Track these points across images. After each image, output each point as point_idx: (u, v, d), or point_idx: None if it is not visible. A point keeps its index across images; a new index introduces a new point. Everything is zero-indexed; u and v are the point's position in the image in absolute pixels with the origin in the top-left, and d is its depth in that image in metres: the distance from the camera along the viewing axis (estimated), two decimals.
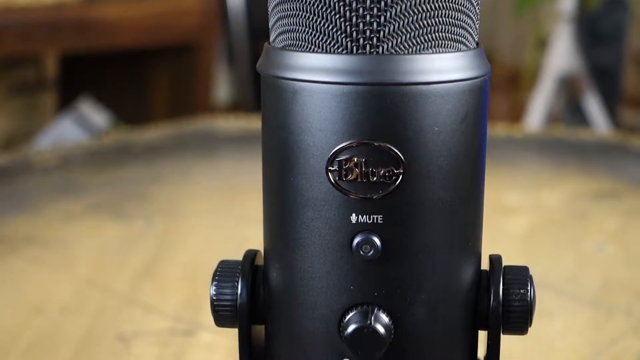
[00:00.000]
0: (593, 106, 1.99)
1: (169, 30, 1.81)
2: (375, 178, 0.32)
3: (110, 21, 1.71)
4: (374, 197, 0.32)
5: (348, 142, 0.32)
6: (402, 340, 0.33)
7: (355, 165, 0.32)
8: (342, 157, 0.32)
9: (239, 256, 0.37)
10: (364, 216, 0.32)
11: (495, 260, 0.36)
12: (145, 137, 1.18)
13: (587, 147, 1.12)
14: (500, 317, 0.35)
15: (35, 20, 1.65)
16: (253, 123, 1.24)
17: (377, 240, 0.32)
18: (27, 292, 0.78)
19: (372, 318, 0.32)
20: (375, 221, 0.32)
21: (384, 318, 0.33)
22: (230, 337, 0.69)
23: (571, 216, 0.93)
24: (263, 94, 0.35)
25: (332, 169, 0.32)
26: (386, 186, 0.32)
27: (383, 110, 0.32)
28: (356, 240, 0.32)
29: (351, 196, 0.32)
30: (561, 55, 2.02)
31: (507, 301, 0.35)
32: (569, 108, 2.08)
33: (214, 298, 0.37)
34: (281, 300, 0.35)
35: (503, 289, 0.35)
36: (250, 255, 0.37)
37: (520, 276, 0.36)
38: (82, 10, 1.69)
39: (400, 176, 0.32)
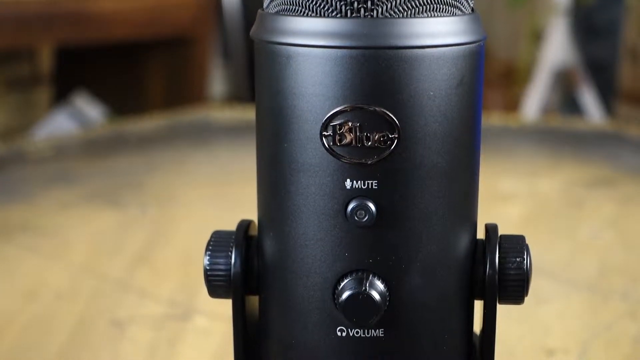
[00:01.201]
0: (588, 99, 1.99)
1: (164, 23, 1.80)
2: (369, 143, 0.32)
3: (106, 14, 1.71)
4: (369, 162, 0.32)
5: (342, 107, 0.32)
6: (398, 308, 0.33)
7: (350, 130, 0.32)
8: (336, 122, 0.32)
9: None
10: (359, 182, 0.32)
11: (491, 229, 0.36)
12: (140, 127, 1.17)
13: (583, 136, 1.12)
14: (496, 285, 0.35)
15: (30, 12, 1.65)
16: (248, 114, 1.24)
17: (371, 206, 0.32)
18: (21, 278, 0.78)
19: (367, 284, 0.32)
20: (369, 187, 0.32)
21: (379, 285, 0.32)
22: (225, 322, 0.69)
23: (567, 203, 0.93)
24: (257, 60, 0.34)
25: (326, 134, 0.32)
26: (381, 151, 0.32)
27: (377, 74, 0.31)
28: (350, 206, 0.32)
29: (345, 161, 0.32)
30: (556, 48, 2.02)
31: (503, 269, 0.35)
32: (565, 101, 2.08)
33: (208, 268, 0.36)
34: (275, 269, 0.34)
35: (499, 257, 0.35)
36: (244, 225, 0.37)
37: (516, 245, 0.36)
38: (77, 3, 1.69)
39: (395, 141, 0.32)
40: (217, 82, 2.58)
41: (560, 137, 1.11)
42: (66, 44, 1.82)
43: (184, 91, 1.90)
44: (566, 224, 0.88)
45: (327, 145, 0.32)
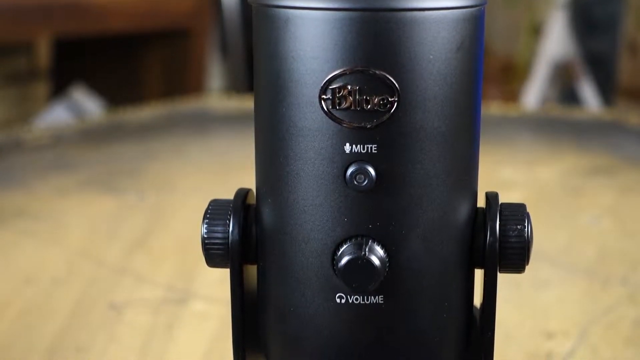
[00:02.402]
0: (587, 92, 1.98)
1: (162, 15, 1.80)
2: (369, 106, 0.31)
3: (103, 5, 1.70)
4: (368, 126, 0.32)
5: (341, 70, 0.31)
6: (397, 274, 0.33)
7: (349, 93, 0.31)
8: (336, 85, 0.31)
9: None
10: (358, 146, 0.32)
11: (491, 197, 0.36)
12: (138, 117, 1.17)
13: (582, 125, 1.11)
14: (497, 253, 0.34)
15: (27, 4, 1.64)
16: (246, 103, 1.23)
17: (371, 170, 0.32)
18: (17, 263, 0.78)
19: (367, 249, 0.32)
20: (369, 151, 0.32)
21: (379, 250, 0.32)
22: (222, 305, 0.68)
23: (566, 191, 0.92)
24: (254, 26, 0.34)
25: (325, 97, 0.32)
26: (380, 115, 0.31)
27: (377, 36, 0.31)
28: (350, 170, 0.32)
29: (345, 125, 0.32)
30: (555, 41, 2.01)
31: (503, 237, 0.34)
32: (564, 94, 2.08)
33: (205, 236, 0.36)
34: (273, 236, 0.34)
35: (500, 224, 0.34)
36: (242, 193, 0.36)
37: (517, 212, 0.35)
38: None
39: (395, 104, 0.31)
40: (215, 76, 2.57)
41: (559, 126, 1.11)
42: (64, 36, 1.82)
43: (182, 84, 1.90)
44: (565, 211, 0.88)
45: (326, 109, 0.32)
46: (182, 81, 1.90)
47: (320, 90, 0.32)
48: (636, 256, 0.78)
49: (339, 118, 0.32)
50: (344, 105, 0.32)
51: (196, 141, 1.09)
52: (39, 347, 0.64)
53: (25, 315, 0.69)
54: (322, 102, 0.32)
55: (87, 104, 1.97)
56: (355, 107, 0.31)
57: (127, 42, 1.91)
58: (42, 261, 0.77)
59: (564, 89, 2.08)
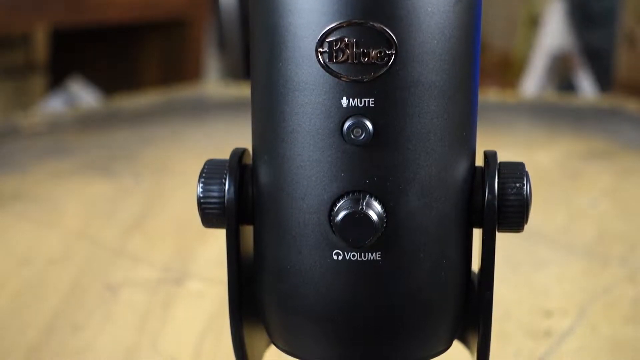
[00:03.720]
0: (585, 83, 1.98)
1: (159, 5, 1.79)
2: (366, 59, 0.31)
3: None
4: (365, 79, 0.31)
5: (338, 22, 0.31)
6: (395, 230, 0.32)
7: (346, 46, 0.31)
8: (333, 38, 0.31)
9: None
10: (355, 99, 0.31)
11: (490, 155, 0.35)
12: (134, 104, 1.17)
13: (581, 111, 1.11)
14: (496, 211, 0.34)
15: None
16: (243, 90, 1.23)
17: (368, 124, 0.31)
18: (13, 244, 0.77)
19: (364, 204, 0.31)
20: (366, 105, 0.31)
21: (376, 206, 0.32)
22: (219, 285, 0.68)
23: (565, 174, 0.92)
24: None
25: (322, 50, 0.31)
26: (378, 68, 0.31)
27: None
28: (347, 124, 0.31)
29: (342, 79, 0.31)
30: (553, 33, 2.01)
31: (502, 195, 0.34)
32: (562, 86, 2.07)
33: (201, 196, 0.36)
34: (270, 193, 0.34)
35: (498, 182, 0.34)
36: (238, 152, 0.36)
37: (516, 171, 0.35)
38: None
39: (393, 57, 0.31)
40: (213, 67, 2.57)
41: (557, 112, 1.10)
42: (61, 26, 1.81)
43: (179, 75, 1.89)
44: (564, 193, 0.88)
45: (323, 63, 0.31)
46: (180, 72, 1.90)
47: (317, 43, 0.31)
48: (635, 237, 0.77)
49: (335, 72, 0.31)
50: (341, 58, 0.31)
51: (193, 127, 1.09)
52: (35, 325, 0.63)
53: (21, 294, 0.68)
54: (319, 55, 0.31)
55: (84, 96, 1.97)
56: (352, 60, 0.31)
57: (124, 33, 1.91)
58: (38, 243, 0.77)
59: (562, 81, 2.08)
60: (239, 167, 0.35)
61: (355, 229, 0.31)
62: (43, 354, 0.60)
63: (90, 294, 0.68)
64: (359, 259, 0.32)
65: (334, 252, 0.32)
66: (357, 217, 0.31)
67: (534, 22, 2.26)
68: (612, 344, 0.61)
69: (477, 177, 0.34)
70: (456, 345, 0.42)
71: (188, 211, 0.84)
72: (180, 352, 0.60)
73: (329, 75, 0.31)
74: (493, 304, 0.36)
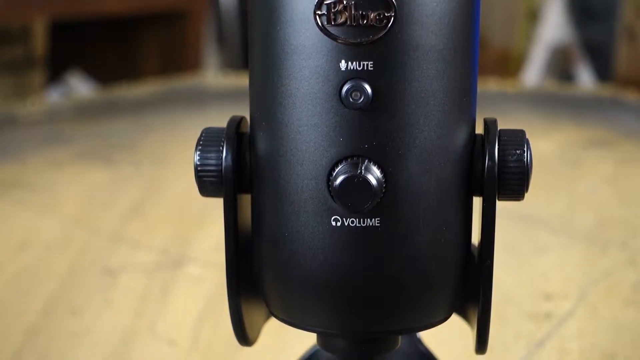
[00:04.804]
0: (585, 77, 1.98)
1: None
2: (365, 22, 0.31)
3: None
4: (364, 42, 0.31)
5: None
6: (394, 196, 0.32)
7: (345, 8, 0.31)
8: (331, 0, 0.31)
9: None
10: (354, 63, 0.31)
11: (490, 122, 0.35)
12: (133, 93, 1.16)
13: (581, 101, 1.11)
14: (496, 178, 0.33)
15: None
16: (242, 80, 1.23)
17: (367, 87, 0.31)
18: (11, 231, 0.77)
19: (363, 168, 0.31)
20: (365, 68, 0.31)
21: (375, 170, 0.31)
22: (217, 269, 0.68)
23: (565, 162, 0.92)
24: None
25: (320, 12, 0.31)
26: (377, 30, 0.31)
27: None
28: (345, 87, 0.31)
29: (340, 42, 0.31)
30: (553, 26, 2.01)
31: (502, 162, 0.33)
32: (562, 79, 2.07)
33: (198, 164, 0.35)
34: (267, 160, 0.33)
35: (499, 149, 0.34)
36: (236, 120, 0.35)
37: (516, 138, 0.34)
38: None
39: (392, 20, 0.31)
40: (212, 65, 2.56)
41: (557, 101, 1.10)
42: (60, 18, 1.81)
43: (178, 68, 1.89)
44: (564, 180, 0.87)
45: (321, 25, 0.31)
46: (179, 65, 1.89)
47: (315, 5, 0.31)
48: (635, 222, 0.77)
49: (334, 34, 0.31)
50: (340, 20, 0.31)
51: (192, 116, 1.09)
52: (33, 309, 0.63)
53: (19, 279, 0.68)
54: (317, 18, 0.31)
55: (83, 89, 1.96)
56: (350, 22, 0.31)
57: (123, 25, 1.90)
58: (36, 229, 0.77)
59: (562, 74, 2.07)
60: (236, 134, 0.35)
61: (353, 194, 0.31)
62: (41, 337, 0.60)
63: (88, 279, 0.68)
64: (357, 225, 0.32)
65: (333, 218, 0.32)
66: (356, 182, 0.31)
67: (533, 16, 2.26)
68: (613, 326, 0.61)
69: (477, 144, 0.34)
70: (456, 319, 0.41)
71: (187, 198, 0.84)
72: (178, 335, 0.60)
73: (327, 38, 0.31)
74: (492, 288, 0.36)
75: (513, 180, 0.34)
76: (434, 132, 0.32)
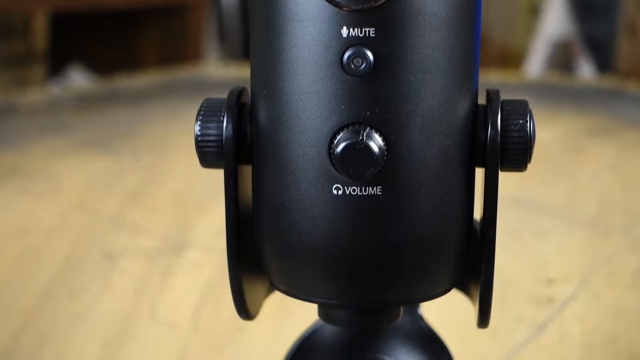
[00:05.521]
0: (586, 71, 1.98)
1: None
2: None
3: None
4: (366, 8, 0.31)
5: None
6: (396, 164, 0.31)
7: None
8: None
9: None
10: (356, 29, 0.31)
11: (493, 92, 0.34)
12: (134, 83, 1.16)
13: (583, 91, 1.11)
14: (498, 147, 0.33)
15: None
16: (243, 71, 1.22)
17: (369, 54, 0.31)
18: (11, 217, 0.77)
19: (364, 135, 0.31)
20: (367, 35, 0.31)
21: (377, 138, 0.31)
22: (218, 255, 0.68)
23: (567, 150, 0.92)
24: None
25: None
26: None
27: None
28: (347, 54, 0.31)
29: (342, 8, 0.31)
30: (554, 20, 2.00)
31: (505, 131, 0.33)
32: (563, 73, 2.07)
33: (198, 134, 0.35)
34: (268, 129, 0.33)
35: (501, 119, 0.33)
36: (236, 90, 0.35)
37: (519, 107, 0.34)
38: None
39: None
40: (212, 63, 2.56)
41: (559, 92, 1.10)
42: (61, 11, 1.80)
43: (179, 61, 1.88)
44: (566, 168, 0.87)
45: None
46: (180, 58, 1.89)
47: None
48: (638, 209, 0.77)
49: (335, 1, 0.31)
50: None
51: (193, 106, 1.08)
52: (32, 292, 0.63)
53: (18, 263, 0.68)
54: None
55: (83, 83, 1.96)
56: None
57: (123, 20, 1.90)
58: (36, 215, 0.77)
59: (563, 69, 2.07)
60: (237, 104, 0.34)
61: (355, 161, 0.31)
62: (40, 319, 0.59)
63: (88, 263, 0.68)
64: (359, 193, 0.32)
65: (334, 186, 0.32)
66: (358, 148, 0.31)
67: (534, 11, 2.26)
68: (615, 310, 0.61)
69: (479, 114, 0.34)
70: (458, 297, 0.41)
71: (188, 185, 0.83)
72: (178, 318, 0.60)
73: (329, 5, 0.31)
74: (494, 271, 0.36)
75: (516, 150, 0.33)
76: (435, 100, 0.32)
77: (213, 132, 0.34)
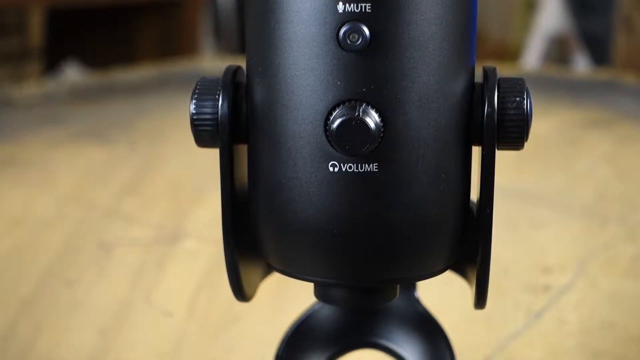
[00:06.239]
0: (582, 67, 1.97)
1: None
2: None
3: None
4: None
5: None
6: (392, 141, 0.31)
7: None
8: None
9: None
10: (351, 4, 0.31)
11: (489, 70, 0.34)
12: (130, 76, 1.16)
13: (579, 83, 1.10)
14: (495, 125, 0.33)
15: None
16: (239, 63, 1.22)
17: (365, 29, 0.30)
18: (6, 207, 0.76)
19: (361, 110, 0.31)
20: (363, 10, 0.31)
21: (373, 114, 0.31)
22: (213, 244, 0.67)
23: (563, 141, 0.92)
24: None
25: None
26: None
27: None
28: (343, 29, 0.31)
29: None
30: (550, 15, 2.00)
31: (502, 109, 0.33)
32: (559, 66, 2.06)
33: (194, 112, 0.34)
34: (264, 107, 0.33)
35: (498, 96, 0.33)
36: (232, 69, 0.35)
37: (516, 85, 0.34)
38: None
39: None
40: (208, 57, 2.56)
41: (555, 84, 1.09)
42: (57, 6, 1.80)
43: (175, 56, 1.88)
44: (562, 158, 0.87)
45: None
46: (176, 53, 1.89)
47: None
48: (634, 198, 0.77)
49: None
50: None
51: (189, 99, 1.08)
52: (27, 281, 0.63)
53: (14, 253, 0.68)
54: None
55: (79, 78, 1.96)
56: None
57: (119, 14, 1.90)
58: (31, 205, 0.76)
59: (559, 63, 2.07)
60: (232, 83, 0.34)
61: (351, 136, 0.30)
62: (35, 307, 0.59)
63: (83, 252, 0.67)
64: (355, 170, 0.32)
65: (330, 163, 0.32)
66: (354, 124, 0.30)
67: (530, 6, 2.26)
68: (612, 297, 0.60)
69: (476, 92, 0.34)
70: (455, 280, 0.41)
71: (184, 175, 0.83)
72: (174, 306, 0.60)
73: None
74: (490, 259, 0.35)
75: (512, 127, 0.33)
76: (432, 77, 0.32)
77: (208, 110, 0.34)
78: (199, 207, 0.75)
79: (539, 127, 0.95)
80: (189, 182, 0.81)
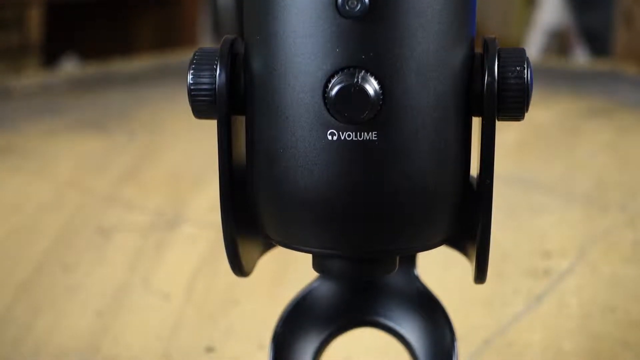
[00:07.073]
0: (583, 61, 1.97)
1: None
2: None
3: None
4: None
5: None
6: (391, 109, 0.31)
7: None
8: None
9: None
10: None
11: (489, 40, 0.34)
12: (128, 67, 1.15)
13: (580, 74, 1.10)
14: (495, 94, 0.32)
15: None
16: None
17: None
18: (3, 194, 0.76)
19: (360, 77, 0.30)
20: None
21: (372, 81, 0.31)
22: (212, 229, 0.67)
23: (563, 130, 0.91)
24: None
25: None
26: None
27: None
28: None
29: None
30: (550, 10, 2.00)
31: (502, 78, 0.33)
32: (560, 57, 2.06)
33: (191, 82, 0.34)
34: (262, 76, 0.32)
35: (498, 65, 0.33)
36: (229, 39, 0.35)
37: (516, 55, 0.34)
38: None
39: None
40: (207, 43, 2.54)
41: (556, 74, 1.09)
42: (55, 1, 1.80)
43: (174, 51, 1.88)
44: (562, 147, 0.87)
45: None
46: (175, 46, 1.88)
47: None
48: (635, 186, 0.76)
49: None
50: None
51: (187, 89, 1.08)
52: (25, 265, 0.62)
53: (11, 238, 0.67)
54: None
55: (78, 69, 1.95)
56: None
57: (118, 8, 1.89)
58: (29, 192, 0.76)
59: (559, 58, 2.06)
60: (230, 53, 0.34)
61: (350, 103, 0.30)
62: (32, 291, 0.59)
63: (81, 237, 0.67)
64: (354, 139, 0.31)
65: (329, 132, 0.31)
66: (353, 91, 0.30)
67: (530, 1, 2.25)
68: (612, 281, 0.60)
69: (476, 62, 0.33)
70: (454, 257, 0.41)
71: (182, 163, 0.83)
72: (172, 289, 0.59)
73: None
74: (491, 231, 0.35)
75: (513, 97, 0.33)
76: (432, 45, 0.31)
77: (206, 80, 0.34)
78: (197, 194, 0.75)
79: (539, 116, 0.94)
80: (187, 170, 0.80)
